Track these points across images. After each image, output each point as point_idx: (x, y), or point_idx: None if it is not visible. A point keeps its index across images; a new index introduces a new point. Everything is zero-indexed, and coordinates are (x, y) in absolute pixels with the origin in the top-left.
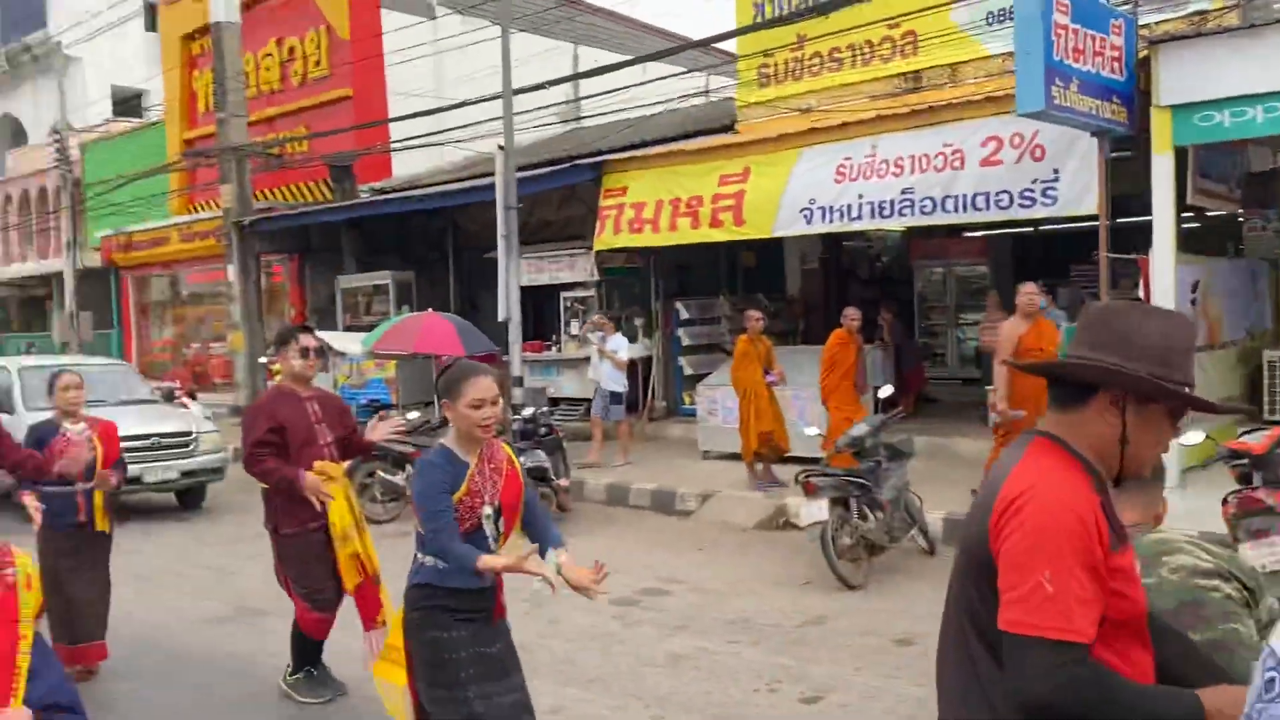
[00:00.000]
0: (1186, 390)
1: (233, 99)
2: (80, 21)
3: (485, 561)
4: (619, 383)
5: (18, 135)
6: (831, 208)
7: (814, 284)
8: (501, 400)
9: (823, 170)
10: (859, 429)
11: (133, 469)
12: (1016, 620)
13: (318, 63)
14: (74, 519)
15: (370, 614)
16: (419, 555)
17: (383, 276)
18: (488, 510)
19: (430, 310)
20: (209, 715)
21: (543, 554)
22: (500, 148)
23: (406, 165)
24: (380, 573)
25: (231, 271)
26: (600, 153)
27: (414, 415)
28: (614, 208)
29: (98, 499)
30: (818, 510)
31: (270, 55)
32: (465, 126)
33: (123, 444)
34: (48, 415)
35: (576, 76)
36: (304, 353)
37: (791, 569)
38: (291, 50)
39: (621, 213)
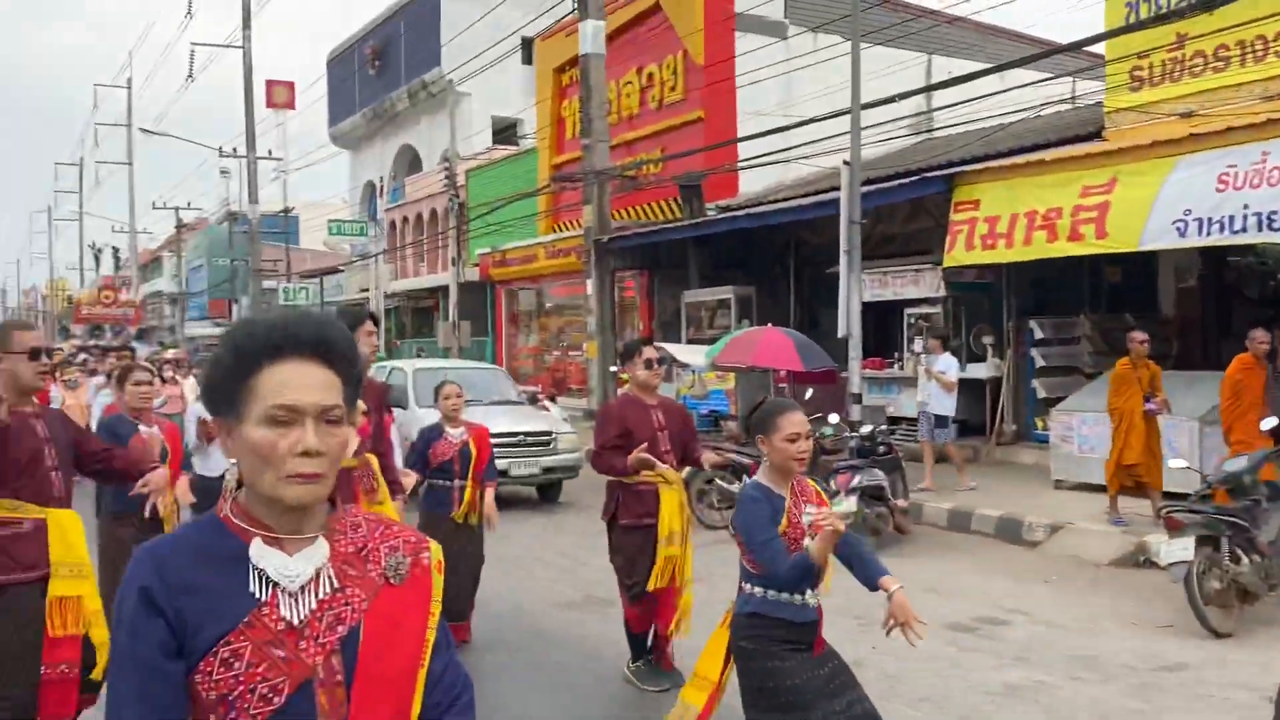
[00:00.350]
0: None
1: (597, 126)
2: (469, 59)
3: (814, 553)
4: (945, 406)
5: (414, 164)
6: (1210, 219)
7: (1191, 303)
8: (813, 435)
9: (1201, 179)
10: (1235, 464)
11: (501, 463)
12: None
13: (673, 87)
14: (450, 509)
15: (665, 619)
16: (745, 585)
17: (725, 291)
18: (808, 542)
19: (769, 325)
20: (561, 691)
21: (871, 585)
22: (846, 163)
23: (752, 182)
24: (689, 583)
25: (590, 286)
26: (951, 164)
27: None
28: (965, 222)
29: (468, 495)
30: (1181, 549)
31: (630, 82)
32: (812, 143)
33: (493, 441)
34: (435, 417)
35: (931, 88)
36: (648, 363)
37: (1149, 610)
38: (650, 76)
39: (973, 227)
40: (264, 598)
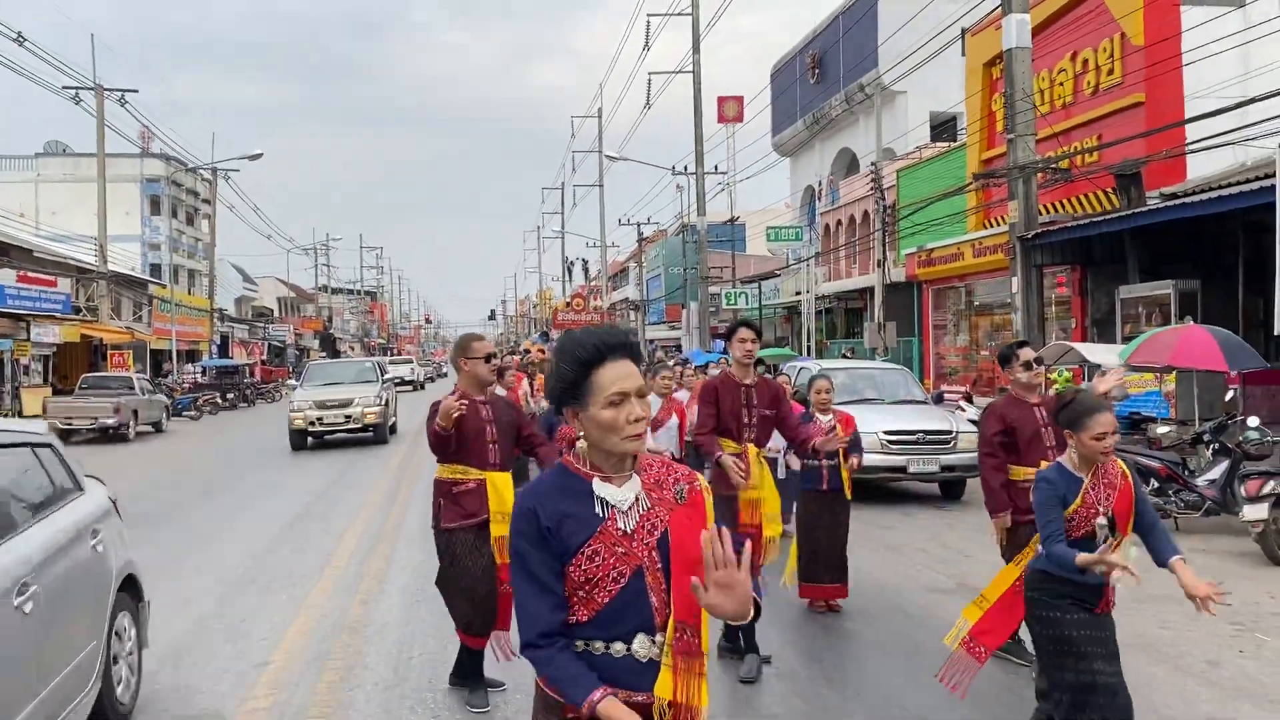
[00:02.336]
0: None
1: (1020, 120)
2: (904, 56)
3: (1082, 559)
4: None
5: (851, 166)
6: None
7: None
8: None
9: None
10: None
11: (898, 460)
12: None
13: (1110, 71)
14: (819, 485)
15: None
16: (1040, 548)
17: (1164, 286)
18: (1101, 520)
19: (1192, 322)
20: (904, 659)
21: (1161, 563)
22: None
23: (1204, 166)
24: None
25: (1015, 284)
26: None
27: (1164, 430)
28: None
29: (843, 473)
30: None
31: (1064, 70)
32: (1269, 120)
33: (892, 438)
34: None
35: None
36: (1027, 365)
37: None
38: (1085, 62)
39: None
40: (606, 516)
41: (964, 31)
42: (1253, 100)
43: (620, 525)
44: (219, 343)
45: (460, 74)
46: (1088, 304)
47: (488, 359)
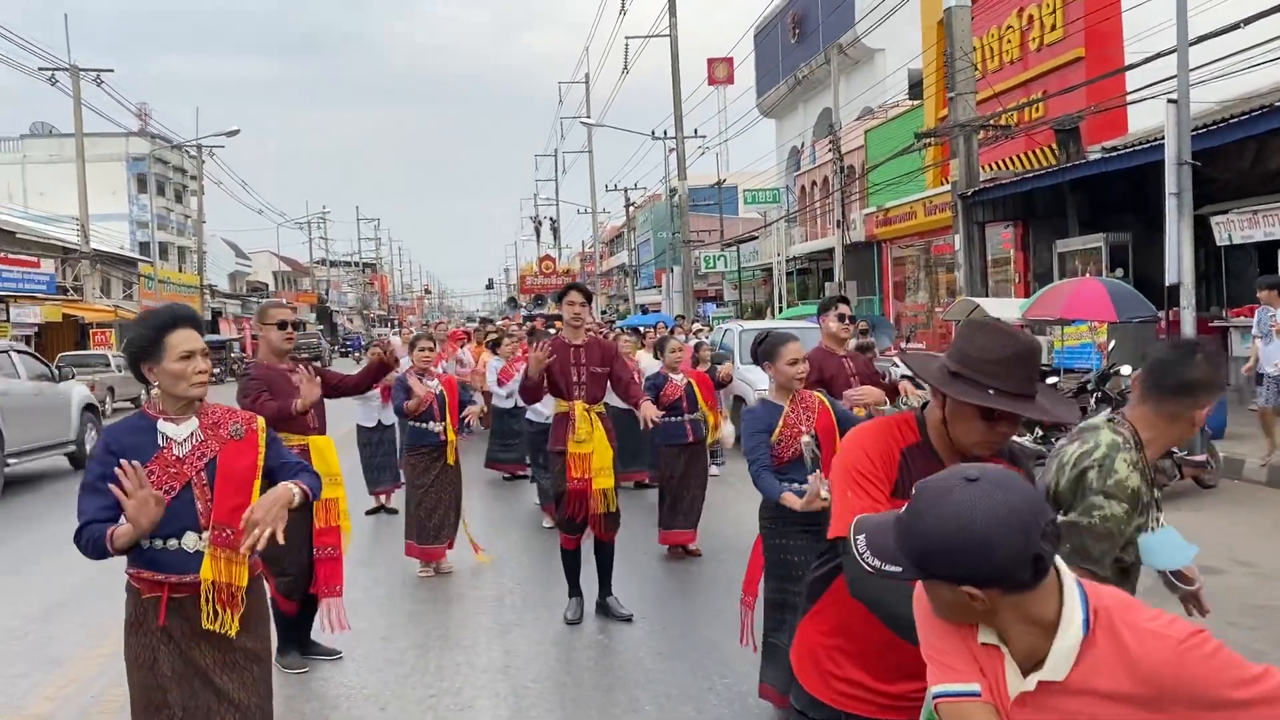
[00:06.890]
0: None
1: (961, 78)
2: (872, 9)
3: (786, 499)
4: (1275, 363)
5: (833, 127)
6: None
7: None
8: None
9: None
10: None
11: None
12: None
13: (1053, 27)
14: (682, 440)
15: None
16: None
17: (1096, 239)
18: (806, 438)
19: (1088, 275)
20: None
21: None
22: (1171, 101)
23: (1152, 118)
24: None
25: (957, 241)
26: None
27: (1054, 380)
28: None
29: (710, 420)
30: None
31: (1011, 26)
32: (1215, 61)
33: None
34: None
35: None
36: (840, 318)
37: None
38: (1030, 19)
39: None
40: (164, 445)
41: None
42: (1157, 55)
43: (175, 453)
44: (209, 319)
45: (452, 43)
46: (1030, 259)
47: (281, 326)
